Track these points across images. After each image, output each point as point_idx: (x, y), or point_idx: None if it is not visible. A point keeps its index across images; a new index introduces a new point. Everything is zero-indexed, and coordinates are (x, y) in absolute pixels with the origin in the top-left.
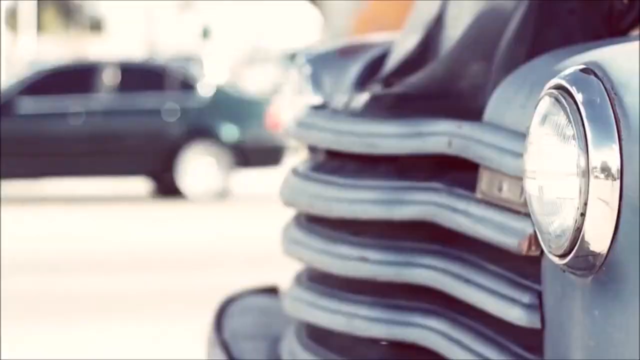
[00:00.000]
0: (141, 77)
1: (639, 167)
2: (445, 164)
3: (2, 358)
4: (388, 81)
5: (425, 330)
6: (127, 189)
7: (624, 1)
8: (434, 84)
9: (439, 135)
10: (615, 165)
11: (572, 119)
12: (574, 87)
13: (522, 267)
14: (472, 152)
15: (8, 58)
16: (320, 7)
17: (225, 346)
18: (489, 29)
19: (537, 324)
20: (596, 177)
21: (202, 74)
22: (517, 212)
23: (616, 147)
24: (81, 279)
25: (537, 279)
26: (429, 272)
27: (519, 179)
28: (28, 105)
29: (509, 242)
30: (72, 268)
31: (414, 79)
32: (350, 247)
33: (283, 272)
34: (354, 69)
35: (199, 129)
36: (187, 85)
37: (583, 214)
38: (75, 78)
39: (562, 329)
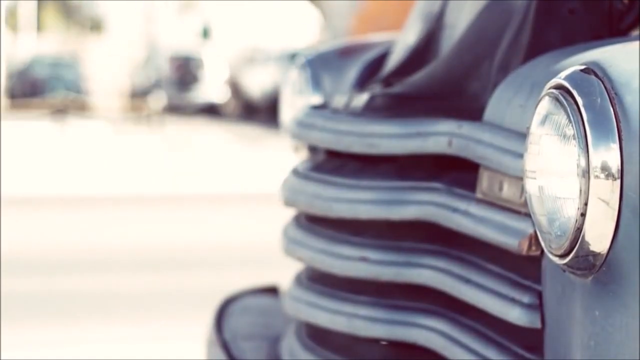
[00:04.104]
0: None
1: (639, 167)
2: (445, 164)
3: (2, 358)
4: (388, 81)
5: (425, 330)
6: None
7: (624, 1)
8: (434, 84)
9: (439, 135)
10: (615, 165)
11: (572, 119)
12: (574, 87)
13: (522, 267)
14: (472, 152)
15: (8, 58)
16: (320, 7)
17: (225, 346)
18: (489, 29)
19: (537, 324)
20: (596, 177)
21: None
22: (517, 212)
23: (616, 147)
24: (81, 278)
25: (537, 279)
26: (429, 272)
27: (519, 179)
28: None
29: (509, 242)
30: (72, 268)
31: (414, 79)
32: (351, 247)
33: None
34: (354, 69)
35: None
36: None
37: (583, 214)
38: None
39: (562, 329)
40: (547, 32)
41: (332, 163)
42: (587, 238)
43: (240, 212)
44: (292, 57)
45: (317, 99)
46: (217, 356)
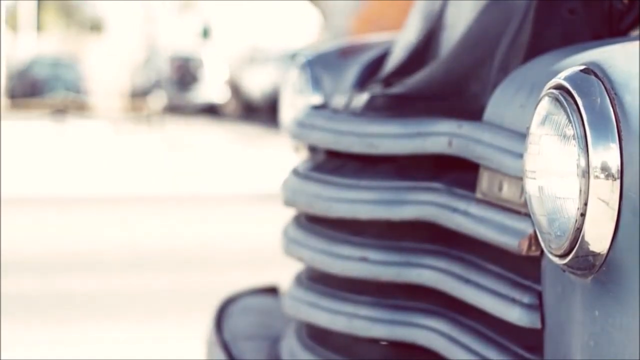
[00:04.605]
0: None
1: (639, 167)
2: (445, 164)
3: (2, 358)
4: (388, 81)
5: (425, 331)
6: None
7: (624, 1)
8: (434, 84)
9: (439, 135)
10: (615, 165)
11: (572, 119)
12: (574, 88)
13: (522, 267)
14: (472, 152)
15: (8, 58)
16: (320, 7)
17: (225, 346)
18: (489, 29)
19: (537, 324)
20: (596, 177)
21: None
22: (517, 212)
23: (616, 147)
24: (81, 278)
25: (537, 279)
26: (429, 272)
27: (519, 179)
28: None
29: (509, 242)
30: (72, 268)
31: (414, 79)
32: (351, 247)
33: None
34: (354, 69)
35: None
36: None
37: (583, 214)
38: None
39: (562, 329)
40: (547, 32)
41: (332, 163)
42: (587, 238)
43: (240, 212)
44: (292, 57)
45: (317, 99)
46: (217, 356)
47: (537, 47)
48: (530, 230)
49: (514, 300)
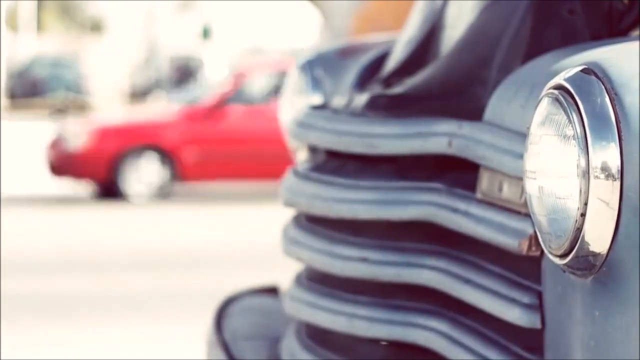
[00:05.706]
0: None
1: (639, 167)
2: (445, 164)
3: (2, 358)
4: (388, 81)
5: (425, 331)
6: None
7: (624, 1)
8: (434, 84)
9: (439, 135)
10: (615, 165)
11: (572, 119)
12: (574, 87)
13: (522, 267)
14: (472, 152)
15: (8, 58)
16: (320, 7)
17: (225, 346)
18: (489, 29)
19: (537, 324)
20: (596, 177)
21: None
22: (517, 212)
23: (616, 147)
24: (81, 279)
25: (537, 279)
26: (429, 272)
27: (519, 179)
28: None
29: (509, 242)
30: (72, 268)
31: (414, 79)
32: (351, 248)
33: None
34: (354, 69)
35: None
36: None
37: (583, 214)
38: None
39: (562, 329)
40: (547, 32)
41: (332, 163)
42: (587, 238)
43: (240, 211)
44: (293, 57)
45: (317, 99)
46: (217, 356)
47: (537, 47)
48: (530, 230)
49: (514, 300)
